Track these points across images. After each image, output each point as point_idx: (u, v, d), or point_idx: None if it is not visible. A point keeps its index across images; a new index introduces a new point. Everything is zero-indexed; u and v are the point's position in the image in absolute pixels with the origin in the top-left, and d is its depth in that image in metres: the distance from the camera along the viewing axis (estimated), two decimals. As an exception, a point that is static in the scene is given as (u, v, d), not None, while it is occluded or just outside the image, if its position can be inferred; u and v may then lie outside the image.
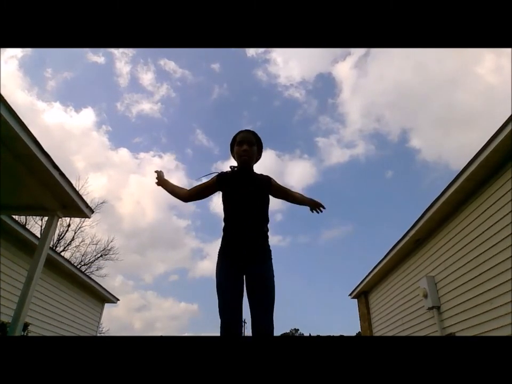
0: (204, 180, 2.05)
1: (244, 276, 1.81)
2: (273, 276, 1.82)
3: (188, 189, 2.05)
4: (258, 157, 2.08)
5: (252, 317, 1.72)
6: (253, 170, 2.04)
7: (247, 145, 1.95)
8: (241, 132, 2.04)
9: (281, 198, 2.08)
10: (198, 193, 2.03)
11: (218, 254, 1.90)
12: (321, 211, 2.10)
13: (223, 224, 1.94)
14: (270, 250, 1.91)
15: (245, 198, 1.90)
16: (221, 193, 1.99)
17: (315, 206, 2.09)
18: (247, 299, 1.78)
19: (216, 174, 2.02)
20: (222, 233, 1.94)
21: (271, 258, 1.89)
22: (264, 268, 1.83)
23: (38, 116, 25.19)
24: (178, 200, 2.07)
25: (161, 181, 2.11)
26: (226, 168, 2.04)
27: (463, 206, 4.87)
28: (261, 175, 2.04)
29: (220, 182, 1.98)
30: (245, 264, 1.81)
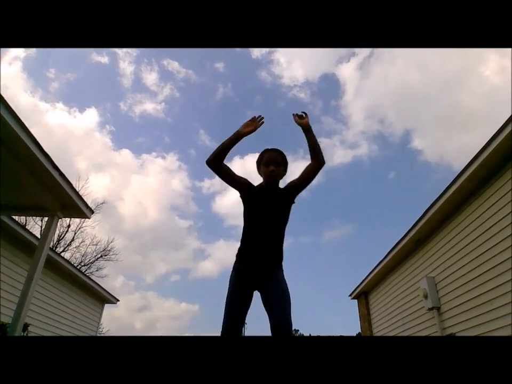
0: (236, 173, 2.02)
1: (257, 289, 1.91)
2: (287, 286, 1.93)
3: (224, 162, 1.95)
4: (284, 173, 2.10)
5: (272, 314, 1.77)
6: (278, 186, 2.07)
7: (273, 166, 1.99)
8: (268, 151, 2.06)
9: (306, 179, 2.04)
10: (225, 170, 1.97)
11: (235, 262, 1.98)
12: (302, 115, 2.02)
13: (240, 231, 2.02)
14: (282, 265, 2.00)
15: (267, 215, 1.96)
16: (241, 201, 2.02)
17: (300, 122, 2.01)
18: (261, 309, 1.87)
19: (249, 180, 2.05)
20: (240, 243, 2.01)
21: (283, 270, 1.99)
22: (279, 278, 1.92)
23: (41, 117, 25.11)
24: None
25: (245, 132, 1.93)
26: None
27: (463, 206, 4.87)
28: (284, 188, 2.07)
29: (248, 189, 2.01)
30: (259, 278, 1.90)
